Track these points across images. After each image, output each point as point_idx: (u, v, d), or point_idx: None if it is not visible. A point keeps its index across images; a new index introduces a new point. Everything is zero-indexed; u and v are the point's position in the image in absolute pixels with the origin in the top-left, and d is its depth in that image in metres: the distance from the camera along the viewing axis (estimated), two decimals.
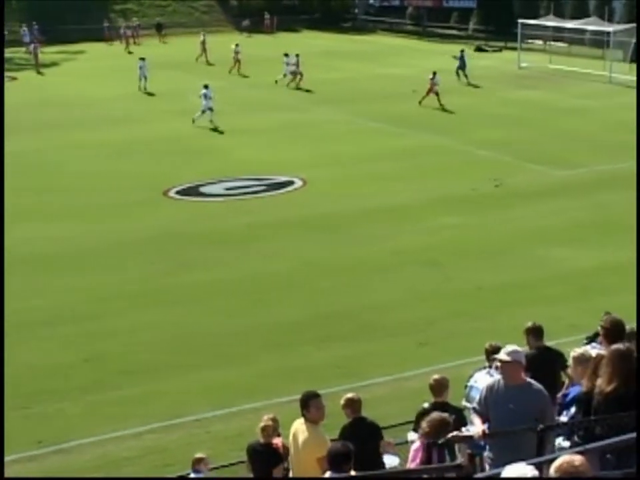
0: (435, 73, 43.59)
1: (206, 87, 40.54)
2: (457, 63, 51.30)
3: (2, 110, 39.91)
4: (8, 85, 53.28)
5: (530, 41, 61.71)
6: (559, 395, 10.44)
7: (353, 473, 8.80)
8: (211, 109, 39.98)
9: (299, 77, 49.52)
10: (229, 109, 42.22)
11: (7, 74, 57.05)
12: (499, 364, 9.78)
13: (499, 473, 6.01)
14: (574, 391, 9.38)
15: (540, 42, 62.80)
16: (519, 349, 9.67)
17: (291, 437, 10.44)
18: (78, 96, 48.37)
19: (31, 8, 74.02)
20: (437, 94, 43.36)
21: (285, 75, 50.15)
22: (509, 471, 5.79)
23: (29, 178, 31.79)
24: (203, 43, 59.98)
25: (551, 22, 59.18)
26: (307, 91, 48.70)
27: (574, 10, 64.40)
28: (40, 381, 17.48)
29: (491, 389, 9.54)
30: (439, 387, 11.43)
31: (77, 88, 50.64)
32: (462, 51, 52.46)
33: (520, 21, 58.34)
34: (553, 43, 61.67)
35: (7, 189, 28.78)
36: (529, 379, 9.58)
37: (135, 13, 78.40)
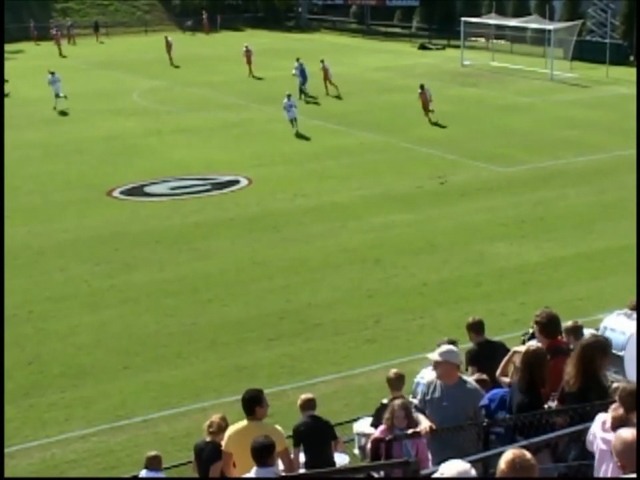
0: (422, 86, 40.19)
1: (52, 73, 43.91)
2: (298, 79, 46.07)
3: (2, 110, 39.38)
4: None
5: (473, 39, 62.25)
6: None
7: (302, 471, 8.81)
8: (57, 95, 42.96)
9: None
10: (171, 108, 42.05)
11: None
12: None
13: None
14: (495, 396, 9.46)
15: (482, 40, 63.33)
16: (453, 348, 9.74)
17: (231, 442, 10.08)
18: (14, 95, 47.85)
19: None
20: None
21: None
22: (447, 468, 5.81)
23: None
24: (168, 44, 59.21)
25: (493, 20, 59.70)
26: (248, 89, 48.59)
27: (515, 8, 65.05)
28: None
29: (428, 387, 9.63)
30: (397, 382, 11.45)
31: (13, 87, 50.01)
32: (298, 59, 46.85)
33: (463, 19, 58.79)
34: (495, 40, 62.21)
35: None
36: (464, 377, 9.68)
37: (76, 12, 77.83)
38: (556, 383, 8.96)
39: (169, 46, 59.05)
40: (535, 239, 24.42)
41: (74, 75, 54.44)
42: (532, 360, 8.91)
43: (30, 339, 19.10)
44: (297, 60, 46.20)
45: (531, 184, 29.56)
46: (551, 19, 57.97)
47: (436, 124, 37.73)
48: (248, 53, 53.36)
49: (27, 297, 21.23)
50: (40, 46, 69.18)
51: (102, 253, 24.07)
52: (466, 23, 58.58)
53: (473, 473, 5.85)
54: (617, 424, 6.96)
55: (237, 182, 30.78)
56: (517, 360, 9.63)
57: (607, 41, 53.98)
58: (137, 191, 30.01)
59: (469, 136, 36.80)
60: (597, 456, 7.09)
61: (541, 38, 57.15)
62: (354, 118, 40.37)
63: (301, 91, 45.49)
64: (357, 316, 19.87)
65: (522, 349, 10.13)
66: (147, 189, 30.28)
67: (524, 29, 60.17)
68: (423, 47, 65.85)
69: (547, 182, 29.76)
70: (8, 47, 66.15)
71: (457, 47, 59.83)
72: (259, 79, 49.85)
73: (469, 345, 12.27)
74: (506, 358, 10.54)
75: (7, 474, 14.44)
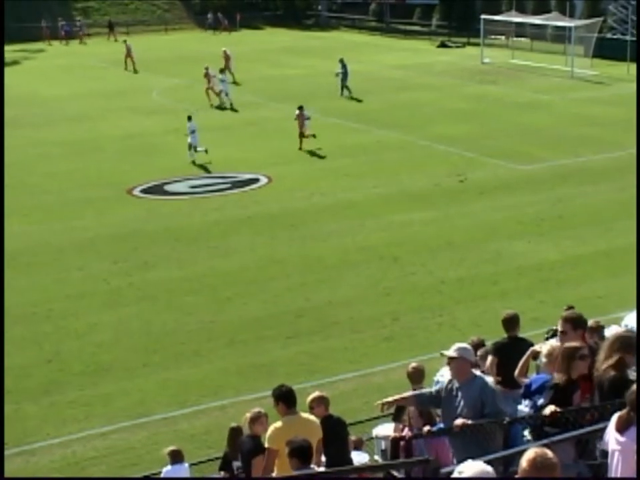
0: (301, 107, 35.36)
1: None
2: (339, 77, 46.13)
3: (2, 110, 39.60)
4: None
5: (492, 36, 62.03)
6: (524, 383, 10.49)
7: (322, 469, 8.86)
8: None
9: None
10: (188, 107, 42.11)
11: None
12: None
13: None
14: (539, 380, 9.40)
15: (502, 37, 63.13)
16: (467, 346, 9.74)
17: (279, 438, 9.84)
18: (36, 94, 48.12)
19: None
20: (301, 134, 34.87)
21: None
22: (465, 467, 5.82)
23: None
24: (128, 50, 56.67)
25: (513, 18, 59.49)
26: (265, 87, 48.62)
27: (535, 6, 64.71)
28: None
29: (447, 385, 9.64)
30: (417, 375, 11.48)
31: (35, 86, 50.33)
32: (342, 60, 46.33)
33: (483, 16, 58.59)
34: (515, 38, 61.97)
35: None
36: (477, 373, 9.67)
37: (96, 11, 78.02)
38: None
39: (128, 50, 56.37)
40: (554, 236, 24.37)
41: (94, 74, 54.75)
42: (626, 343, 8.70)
43: (49, 337, 19.22)
44: (341, 60, 46.32)
45: (549, 182, 29.49)
46: (572, 16, 57.74)
47: (312, 152, 34.30)
48: (226, 57, 51.22)
49: (46, 295, 21.36)
50: (52, 46, 69.34)
51: (121, 251, 24.17)
52: (486, 20, 58.40)
53: (492, 472, 5.86)
54: (623, 424, 6.94)
55: (257, 180, 30.85)
56: (543, 357, 9.60)
57: (628, 38, 53.68)
58: (157, 189, 30.12)
59: (488, 134, 36.72)
60: (609, 456, 7.08)
61: (561, 35, 56.89)
62: (372, 116, 40.35)
63: (344, 87, 45.88)
64: (375, 314, 19.90)
65: (538, 347, 10.13)
66: (168, 187, 30.38)
67: (544, 27, 59.92)
68: (442, 45, 65.66)
69: (566, 179, 29.69)
70: (28, 46, 66.58)
71: (477, 44, 59.65)
72: (237, 84, 49.59)
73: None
74: (524, 357, 10.53)
75: (28, 470, 14.59)
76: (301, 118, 34.90)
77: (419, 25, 76.50)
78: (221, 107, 43.08)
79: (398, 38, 71.62)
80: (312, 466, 8.74)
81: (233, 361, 18.03)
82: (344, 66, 45.95)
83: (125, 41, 58.96)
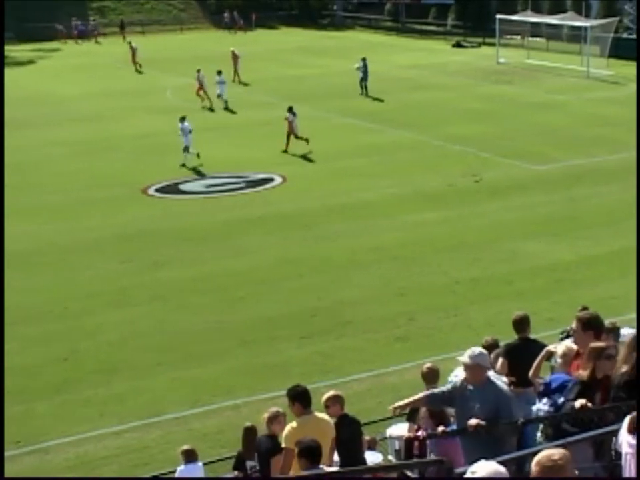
0: (291, 108, 35.29)
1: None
2: (359, 74, 46.43)
3: (2, 110, 39.73)
4: None
5: (508, 36, 61.88)
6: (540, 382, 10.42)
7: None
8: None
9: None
10: (206, 107, 42.23)
11: None
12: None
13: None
14: (559, 379, 9.33)
15: (518, 37, 62.98)
16: (483, 351, 9.68)
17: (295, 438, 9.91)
18: (50, 93, 48.26)
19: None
20: (289, 134, 34.74)
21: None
22: (478, 467, 5.79)
23: (6, 177, 31.62)
24: (134, 51, 56.96)
25: (528, 17, 59.35)
26: (279, 87, 48.61)
27: (551, 6, 64.55)
28: (13, 381, 17.32)
29: (460, 387, 9.59)
30: (431, 376, 11.44)
31: (50, 86, 50.49)
32: (364, 59, 46.58)
33: (498, 16, 58.48)
34: (530, 38, 61.82)
35: None
36: (492, 378, 9.60)
37: (112, 10, 78.26)
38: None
39: (133, 51, 56.72)
40: (568, 237, 24.28)
41: (108, 73, 54.89)
42: None
43: (63, 336, 19.23)
44: (363, 59, 46.34)
45: (564, 182, 29.38)
46: (587, 16, 57.58)
47: (305, 157, 34.03)
48: (234, 58, 51.28)
49: (60, 294, 21.38)
50: (67, 45, 69.56)
51: (135, 250, 24.20)
52: (501, 20, 58.30)
53: (505, 473, 5.83)
54: (632, 427, 6.89)
55: (271, 180, 30.84)
56: (559, 357, 9.55)
57: None
58: (172, 189, 30.15)
59: (503, 134, 36.63)
60: (622, 457, 7.03)
61: (577, 35, 56.72)
62: (386, 116, 40.31)
63: (362, 87, 45.97)
64: (388, 314, 19.86)
65: (552, 347, 10.08)
66: (182, 187, 30.41)
67: (560, 27, 59.75)
68: (457, 45, 65.60)
69: (580, 180, 29.58)
70: (44, 46, 66.81)
71: (492, 44, 59.54)
72: (245, 84, 49.57)
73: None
74: (539, 357, 10.47)
75: (42, 469, 14.61)
76: (290, 119, 34.56)
77: (434, 25, 76.44)
78: (212, 109, 42.92)
79: (413, 38, 71.60)
80: (321, 466, 8.70)
81: (246, 361, 18.01)
82: (365, 65, 46.01)
83: (129, 42, 59.06)
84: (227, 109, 42.77)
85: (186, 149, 32.83)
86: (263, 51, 62.47)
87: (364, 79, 46.06)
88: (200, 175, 31.76)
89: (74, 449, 15.24)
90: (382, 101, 44.46)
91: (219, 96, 43.66)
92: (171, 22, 78.77)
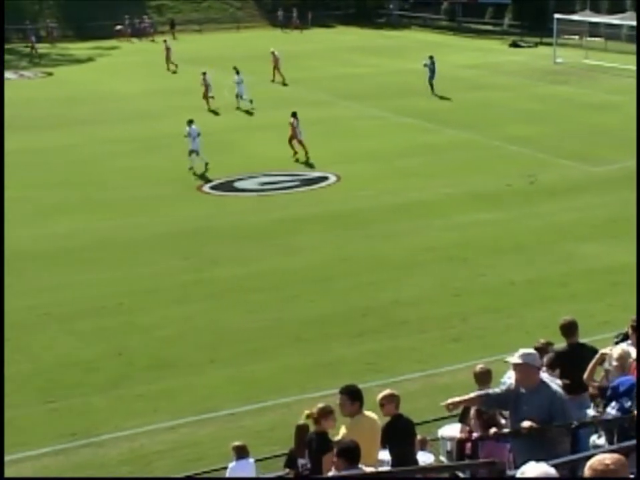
0: (294, 114, 34.30)
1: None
2: (427, 73, 46.46)
3: (2, 110, 40.16)
4: (43, 81, 54.04)
5: (566, 36, 61.33)
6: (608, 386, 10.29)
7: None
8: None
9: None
10: (259, 104, 42.35)
11: (43, 69, 57.86)
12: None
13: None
14: (626, 382, 9.22)
15: (576, 37, 62.39)
16: (532, 351, 9.57)
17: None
18: (109, 91, 48.79)
19: (64, 5, 74.65)
20: (292, 140, 33.78)
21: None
22: (528, 468, 5.77)
23: (66, 173, 32.07)
24: (168, 50, 57.08)
25: (587, 17, 58.77)
26: (335, 86, 48.64)
27: (610, 5, 63.92)
28: (69, 375, 17.62)
29: (513, 390, 9.52)
30: (483, 377, 11.41)
31: (108, 84, 51.05)
32: (431, 57, 46.83)
33: (556, 16, 57.97)
34: (589, 38, 61.24)
35: (43, 184, 29.23)
36: (546, 380, 9.50)
37: (170, 9, 78.81)
38: None
39: (167, 51, 56.84)
40: (625, 239, 23.94)
41: (164, 71, 55.30)
42: None
43: (118, 331, 19.44)
44: (430, 57, 46.40)
45: (620, 183, 29.03)
46: None
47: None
48: (275, 59, 51.00)
49: (116, 290, 21.59)
50: (126, 43, 70.17)
51: (190, 248, 24.37)
52: (559, 20, 57.79)
53: (555, 475, 5.80)
54: None
55: (326, 178, 30.89)
56: (614, 361, 9.49)
57: None
58: (226, 186, 30.32)
59: (560, 134, 36.33)
60: None
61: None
62: (442, 115, 40.17)
63: (430, 85, 45.93)
64: (442, 314, 19.80)
65: (607, 350, 10.00)
66: (237, 184, 30.58)
67: (619, 26, 59.09)
68: (514, 45, 65.14)
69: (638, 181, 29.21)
70: (102, 44, 67.49)
71: (549, 44, 59.05)
72: (285, 84, 49.58)
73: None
74: (593, 361, 10.40)
75: (90, 463, 14.79)
76: (294, 125, 33.79)
77: (490, 25, 76.03)
78: (217, 112, 42.66)
79: (469, 37, 71.25)
80: (360, 465, 8.71)
81: (299, 359, 18.07)
82: (433, 63, 46.02)
83: (164, 41, 59.38)
84: (243, 109, 42.60)
85: (191, 153, 32.12)
86: (319, 50, 62.61)
87: (432, 77, 46.06)
88: (208, 180, 31.14)
89: (128, 443, 15.39)
90: (437, 100, 44.31)
91: (238, 96, 43.24)
92: (227, 20, 79.14)
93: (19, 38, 65.79)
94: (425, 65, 46.41)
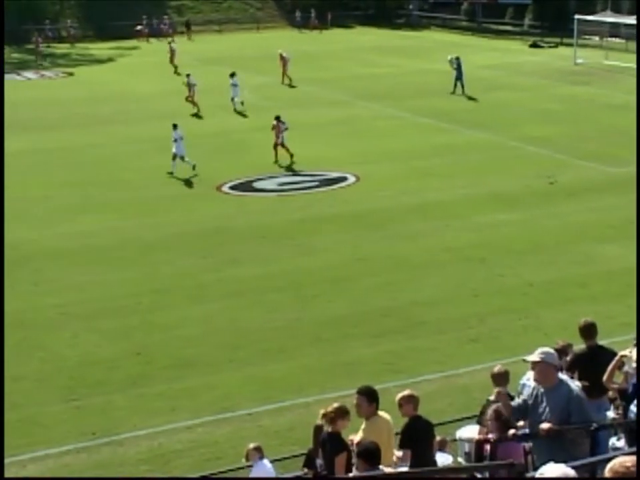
0: (278, 117, 33.82)
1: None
2: (454, 73, 46.44)
3: (2, 110, 40.31)
4: (64, 81, 54.26)
5: (586, 37, 61.10)
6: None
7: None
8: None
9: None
10: (277, 104, 42.37)
11: (63, 69, 58.10)
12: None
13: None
14: None
15: (596, 38, 62.15)
16: (550, 350, 9.57)
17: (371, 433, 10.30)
18: (129, 91, 48.98)
19: (84, 5, 74.93)
20: (276, 145, 33.24)
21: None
22: (547, 469, 5.78)
23: (88, 172, 32.20)
24: (173, 52, 56.90)
25: (608, 18, 58.55)
26: (354, 86, 48.63)
27: (631, 6, 63.60)
28: (91, 373, 17.72)
29: (533, 390, 9.53)
30: (500, 377, 11.40)
31: (128, 84, 51.24)
32: (458, 58, 46.76)
33: (576, 16, 57.78)
34: (609, 39, 61.00)
35: (65, 183, 29.39)
36: (564, 379, 9.50)
37: (190, 9, 78.98)
38: None
39: (172, 52, 56.65)
40: None
41: (184, 71, 55.34)
42: None
43: (138, 330, 19.54)
44: (457, 57, 46.40)
45: None
46: None
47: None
48: (283, 60, 50.75)
49: (135, 289, 21.70)
50: (146, 43, 70.35)
51: (209, 247, 24.46)
52: (580, 20, 57.60)
53: (574, 476, 5.81)
54: None
55: (345, 179, 30.92)
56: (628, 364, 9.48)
57: None
58: (246, 186, 30.39)
59: (579, 135, 36.24)
60: None
61: None
62: (461, 116, 40.12)
63: (460, 85, 45.82)
64: (461, 315, 19.80)
65: (627, 352, 9.99)
66: (256, 184, 30.64)
67: None
68: (534, 45, 64.96)
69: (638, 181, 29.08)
70: (122, 44, 67.70)
71: (570, 45, 58.86)
72: (292, 86, 49.54)
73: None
74: (613, 363, 10.38)
75: (110, 462, 14.86)
76: (278, 128, 33.34)
77: (510, 25, 75.83)
78: (199, 115, 42.40)
79: (489, 38, 71.10)
80: (380, 467, 8.75)
81: (318, 359, 18.11)
82: (459, 64, 45.93)
83: (170, 42, 59.30)
84: (238, 112, 42.47)
85: (175, 157, 31.78)
86: (338, 50, 62.62)
87: (459, 77, 45.93)
88: (190, 185, 30.98)
89: (147, 442, 15.47)
90: (456, 101, 44.23)
91: (232, 99, 43.01)
92: (247, 21, 79.26)
93: (41, 38, 65.93)
94: (450, 61, 46.35)
